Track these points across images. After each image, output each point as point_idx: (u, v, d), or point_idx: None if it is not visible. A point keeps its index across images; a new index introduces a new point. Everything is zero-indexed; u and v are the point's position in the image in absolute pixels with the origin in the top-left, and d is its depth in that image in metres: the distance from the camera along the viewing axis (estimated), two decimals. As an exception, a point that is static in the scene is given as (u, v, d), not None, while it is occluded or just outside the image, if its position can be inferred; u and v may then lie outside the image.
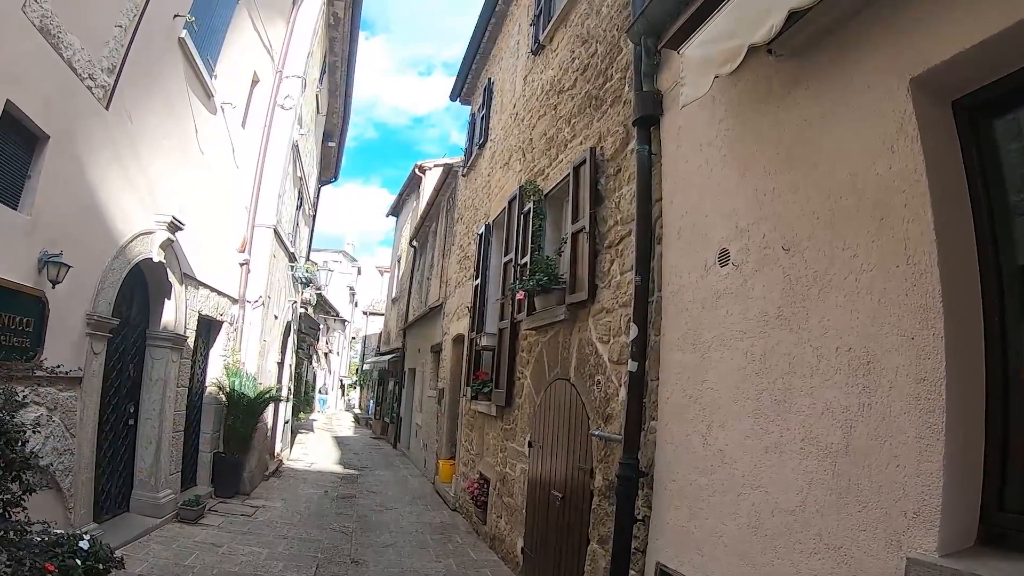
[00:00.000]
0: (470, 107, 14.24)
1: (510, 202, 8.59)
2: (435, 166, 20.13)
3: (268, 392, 10.45)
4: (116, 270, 6.49)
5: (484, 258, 9.90)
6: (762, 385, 3.17)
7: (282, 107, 11.95)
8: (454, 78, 14.45)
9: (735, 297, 3.48)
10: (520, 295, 6.58)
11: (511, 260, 8.04)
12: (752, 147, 3.52)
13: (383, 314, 33.67)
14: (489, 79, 12.05)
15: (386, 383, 26.01)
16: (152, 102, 7.17)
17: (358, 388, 42.13)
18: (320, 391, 48.53)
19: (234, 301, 10.52)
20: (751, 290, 3.35)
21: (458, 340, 12.07)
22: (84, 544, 4.54)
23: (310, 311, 21.61)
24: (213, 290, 9.57)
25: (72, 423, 5.85)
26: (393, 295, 27.11)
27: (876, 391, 2.54)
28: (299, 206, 14.45)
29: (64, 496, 5.80)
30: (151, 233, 7.16)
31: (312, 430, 24.93)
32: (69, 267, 5.35)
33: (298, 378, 27.13)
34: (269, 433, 12.31)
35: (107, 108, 6.14)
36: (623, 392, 4.58)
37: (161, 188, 7.50)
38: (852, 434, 2.63)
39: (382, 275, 42.05)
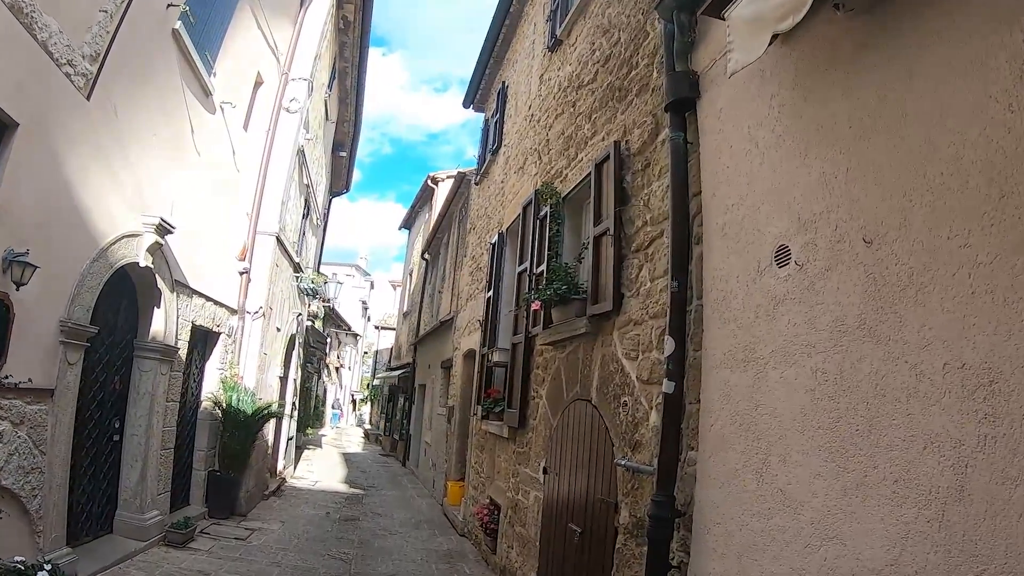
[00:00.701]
0: (483, 114, 13.88)
1: (525, 208, 8.04)
2: (448, 177, 19.64)
3: (267, 408, 9.89)
4: (96, 274, 5.96)
5: (497, 269, 9.33)
6: (838, 412, 2.56)
7: (287, 110, 11.50)
8: (467, 85, 14.02)
9: (799, 303, 2.87)
10: (536, 306, 5.98)
11: (526, 269, 7.46)
12: (816, 123, 2.94)
13: (395, 328, 33.15)
14: (503, 83, 11.67)
15: (396, 399, 25.45)
16: (141, 96, 6.69)
17: (369, 403, 41.49)
18: (333, 406, 48.21)
19: (233, 312, 9.99)
20: (821, 294, 2.75)
21: (469, 355, 11.50)
22: (43, 575, 4.10)
23: (318, 324, 21.09)
24: (209, 299, 9.05)
25: (41, 439, 5.31)
26: (404, 309, 26.60)
27: (1002, 419, 1.94)
28: (305, 215, 13.96)
29: (31, 519, 5.26)
30: (137, 236, 6.64)
31: (320, 446, 24.36)
32: (36, 268, 4.81)
33: (306, 393, 26.63)
34: (270, 450, 11.75)
35: (88, 98, 5.65)
36: (655, 416, 3.98)
37: (150, 188, 7.02)
38: (968, 475, 2.03)
39: (395, 289, 41.64)
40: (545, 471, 5.98)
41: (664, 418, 3.73)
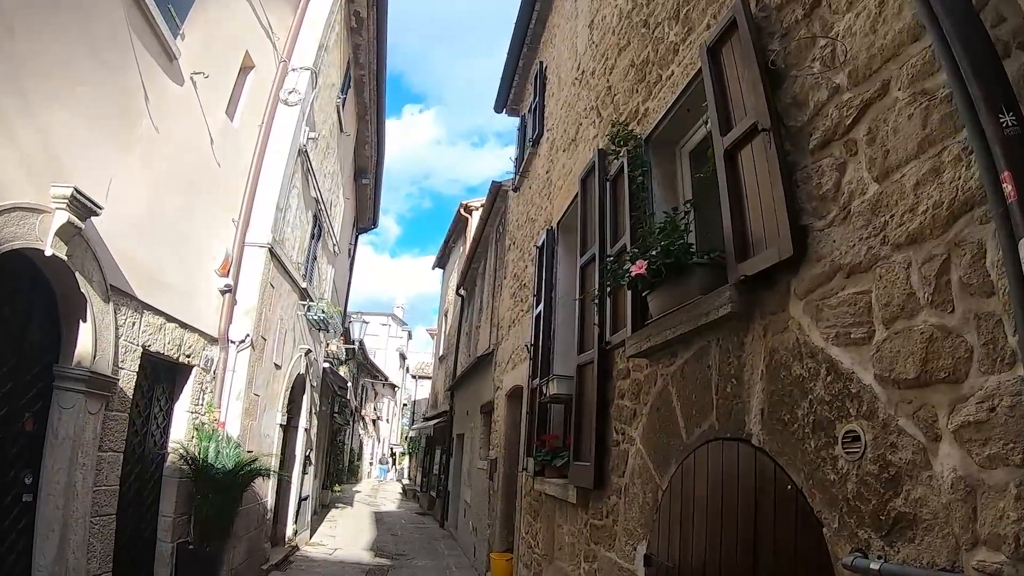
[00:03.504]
0: (516, 118, 12.10)
1: (584, 179, 5.88)
2: (481, 206, 17.61)
3: (252, 463, 7.66)
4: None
5: (548, 276, 7.12)
6: None
7: (285, 103, 9.66)
8: (497, 91, 12.38)
9: None
10: (638, 268, 3.46)
11: (592, 257, 5.23)
12: None
13: (431, 377, 30.97)
14: (540, 64, 10.01)
15: (433, 451, 23.14)
16: (61, 27, 4.92)
17: (408, 457, 39.20)
18: (381, 461, 46.31)
19: (211, 340, 7.89)
20: None
21: (514, 395, 9.22)
22: None
23: (344, 371, 18.97)
24: (173, 320, 6.99)
25: None
26: (440, 353, 24.39)
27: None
28: (316, 236, 11.93)
29: None
30: (39, 212, 4.67)
31: (351, 504, 22.06)
32: None
33: (336, 447, 24.47)
34: (269, 514, 9.50)
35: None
36: (951, 457, 1.68)
37: (74, 156, 5.22)
38: None
39: (433, 338, 39.64)
40: (648, 561, 3.64)
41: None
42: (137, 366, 6.38)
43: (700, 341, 3.37)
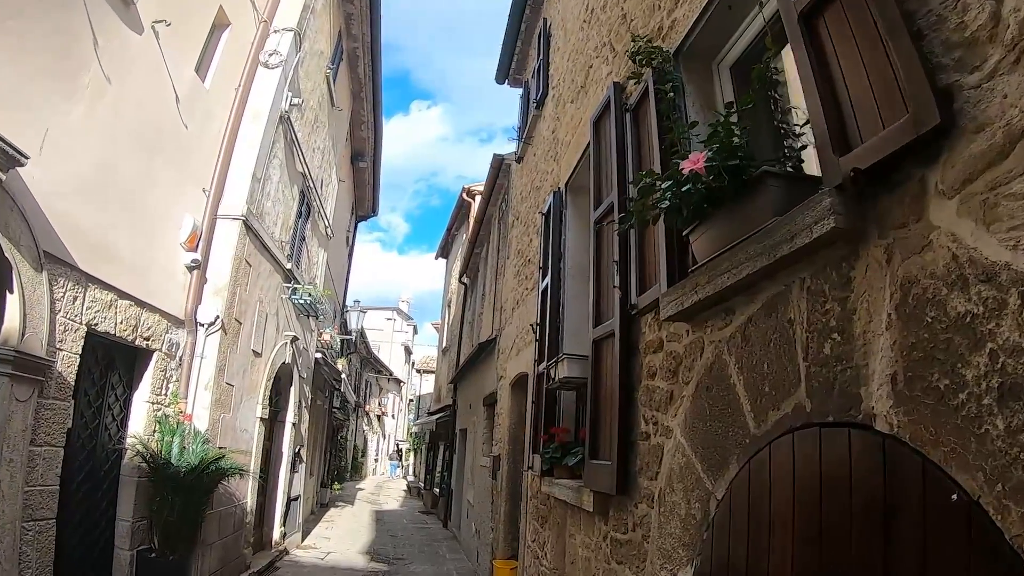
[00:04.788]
0: (520, 88, 11.06)
1: (597, 121, 4.95)
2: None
3: (217, 460, 6.70)
4: None
5: (555, 243, 6.15)
6: None
7: (265, 65, 8.76)
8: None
9: None
10: (693, 163, 2.37)
11: (610, 208, 4.26)
12: None
13: (435, 371, 30.01)
14: (544, 21, 9.07)
15: (436, 447, 22.19)
16: None
17: (413, 453, 38.28)
18: (390, 457, 45.47)
19: (176, 322, 6.97)
20: None
21: (519, 383, 8.26)
22: None
23: (342, 363, 18.02)
24: (127, 297, 6.10)
25: None
26: (443, 345, 23.43)
27: None
28: (304, 215, 10.97)
29: None
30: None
31: (352, 502, 21.15)
32: None
33: (337, 443, 23.56)
34: (249, 517, 8.57)
35: None
36: None
37: None
38: None
39: (438, 332, 38.78)
40: (697, 596, 2.68)
41: None
42: (80, 348, 5.51)
43: (773, 286, 2.40)
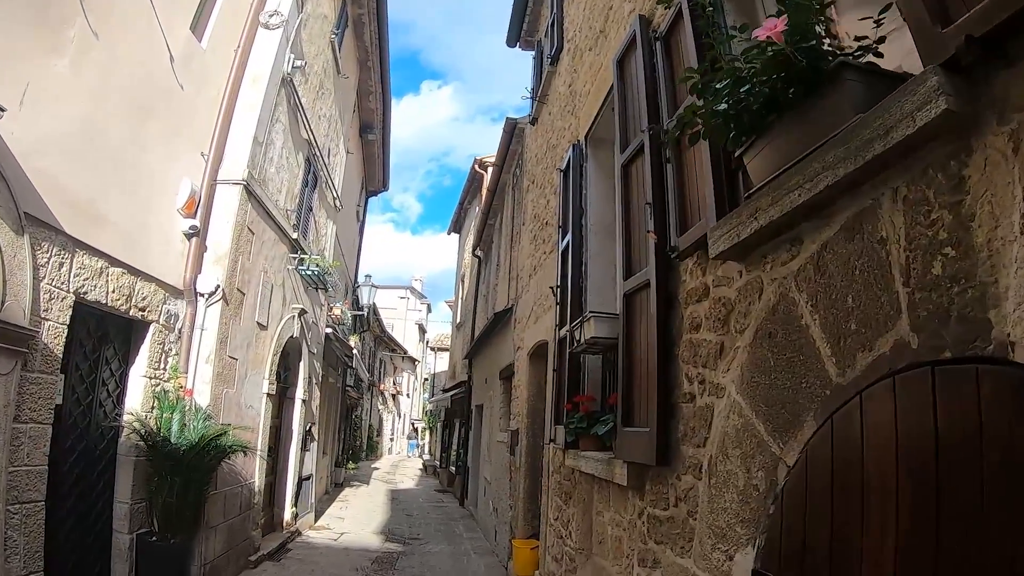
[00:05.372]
0: (533, 51, 10.56)
1: (621, 60, 4.51)
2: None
3: (218, 437, 6.31)
4: None
5: (575, 199, 5.69)
6: None
7: (266, 26, 8.29)
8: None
9: None
10: (770, 30, 1.89)
11: (640, 148, 3.79)
12: None
13: (449, 349, 29.65)
14: None
15: (452, 425, 21.88)
16: None
17: (428, 432, 38.07)
18: (408, 437, 45.39)
19: (174, 292, 6.58)
20: None
21: (537, 353, 7.83)
22: None
23: (354, 341, 17.66)
24: (119, 264, 5.71)
25: None
26: (458, 320, 23.04)
27: None
28: (311, 185, 10.53)
29: None
30: None
31: (367, 482, 20.89)
32: None
33: (351, 422, 23.30)
34: (257, 497, 8.21)
35: None
36: None
37: None
38: None
39: (452, 309, 38.43)
40: (761, 580, 2.25)
41: None
42: (68, 318, 5.08)
43: (853, 204, 1.95)
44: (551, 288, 6.24)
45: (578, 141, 5.99)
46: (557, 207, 6.56)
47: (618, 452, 3.65)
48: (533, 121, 9.40)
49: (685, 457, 2.95)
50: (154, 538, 6.10)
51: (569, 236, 5.62)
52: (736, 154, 2.47)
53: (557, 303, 5.84)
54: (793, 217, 2.17)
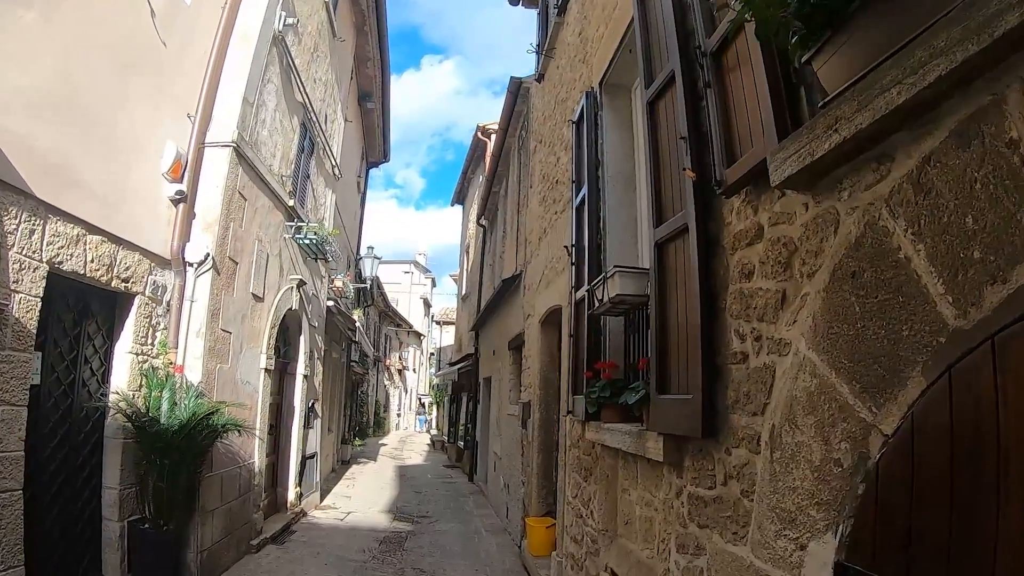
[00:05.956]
0: (536, 8, 10.11)
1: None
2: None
3: (209, 415, 5.90)
4: None
5: (590, 151, 5.22)
6: None
7: (252, -16, 7.70)
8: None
9: None
10: None
11: (670, 78, 3.30)
12: None
13: (455, 323, 29.26)
14: None
15: (459, 399, 21.54)
16: None
17: (435, 407, 37.84)
18: (418, 412, 45.24)
19: (161, 262, 6.16)
20: None
21: (550, 320, 7.41)
22: None
23: (358, 315, 17.27)
24: (98, 232, 5.29)
25: None
26: (463, 292, 22.62)
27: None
28: (308, 151, 10.06)
29: None
30: None
31: (374, 458, 20.63)
32: None
33: (357, 398, 22.99)
34: (258, 478, 7.83)
35: None
36: None
37: None
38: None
39: (456, 283, 38.04)
40: (845, 572, 1.82)
41: None
42: (42, 290, 4.66)
43: (967, 102, 1.51)
44: (565, 247, 5.78)
45: (591, 89, 5.51)
46: (570, 163, 6.10)
47: (652, 423, 3.21)
48: (539, 78, 8.88)
49: (737, 428, 2.51)
50: (146, 525, 5.75)
51: (584, 190, 5.16)
52: (803, 59, 2.01)
53: (572, 263, 5.39)
54: (883, 127, 1.72)
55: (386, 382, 36.65)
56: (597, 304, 4.15)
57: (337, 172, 12.23)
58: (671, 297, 3.09)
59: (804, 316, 2.13)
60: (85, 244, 5.16)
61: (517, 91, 10.71)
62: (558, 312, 6.56)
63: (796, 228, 2.25)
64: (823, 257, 2.07)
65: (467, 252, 21.81)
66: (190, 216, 6.52)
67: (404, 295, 44.13)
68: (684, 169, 2.96)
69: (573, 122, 5.88)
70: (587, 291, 4.62)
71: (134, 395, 5.77)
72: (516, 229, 10.72)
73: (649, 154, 3.54)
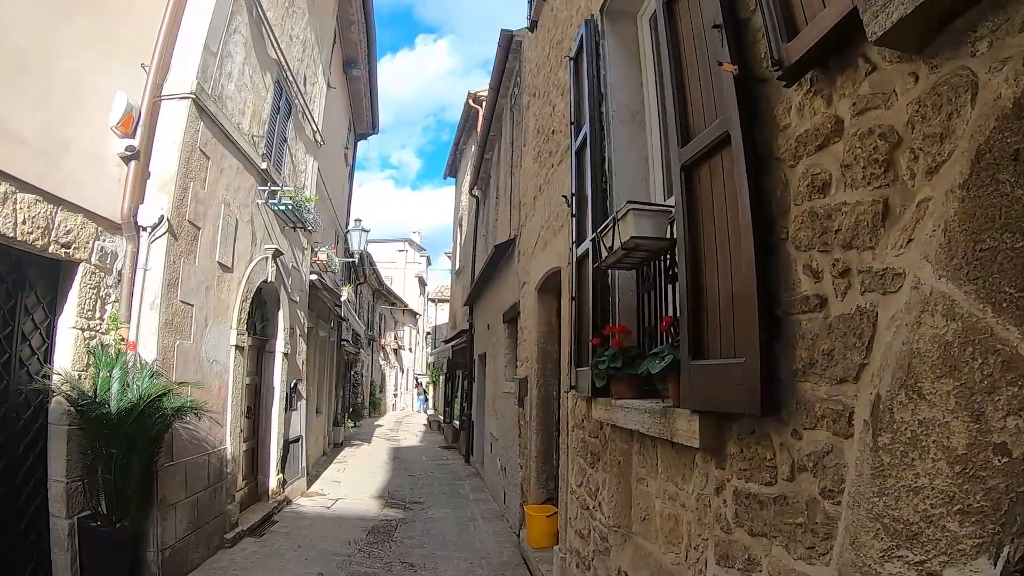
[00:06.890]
0: None
1: None
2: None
3: (161, 396, 5.20)
4: None
5: (593, 84, 4.48)
6: None
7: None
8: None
9: None
10: None
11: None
12: None
13: (449, 300, 28.56)
14: None
15: (454, 377, 20.91)
16: None
17: (432, 386, 37.22)
18: (419, 393, 44.70)
19: (110, 226, 5.46)
20: None
21: (547, 287, 6.72)
22: None
23: (348, 292, 16.56)
24: (31, 189, 4.58)
25: None
26: (457, 267, 21.92)
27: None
28: (285, 112, 9.30)
29: None
30: None
31: (368, 440, 20.01)
32: None
33: (350, 379, 22.34)
34: (231, 466, 7.15)
35: None
36: None
37: None
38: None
39: (450, 259, 37.33)
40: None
41: None
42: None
43: None
44: (564, 197, 5.05)
45: (591, 16, 4.77)
46: (567, 107, 5.37)
47: (684, 398, 2.50)
48: (533, 26, 8.12)
49: (812, 401, 1.82)
50: (97, 522, 5.08)
51: (585, 129, 4.43)
52: None
53: (572, 215, 4.67)
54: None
55: (381, 362, 36.00)
56: (606, 254, 3.43)
57: (319, 139, 11.46)
58: (706, 233, 2.39)
59: (926, 232, 1.43)
60: (15, 203, 4.44)
61: (508, 45, 9.94)
62: (557, 275, 5.86)
63: (899, 111, 1.55)
64: (954, 140, 1.37)
65: (460, 226, 21.09)
66: (144, 175, 5.79)
67: (399, 273, 43.41)
68: (720, 64, 2.25)
69: (571, 58, 5.14)
70: (592, 241, 3.90)
71: (80, 375, 5.09)
72: (509, 192, 10.00)
73: (670, 62, 2.82)
